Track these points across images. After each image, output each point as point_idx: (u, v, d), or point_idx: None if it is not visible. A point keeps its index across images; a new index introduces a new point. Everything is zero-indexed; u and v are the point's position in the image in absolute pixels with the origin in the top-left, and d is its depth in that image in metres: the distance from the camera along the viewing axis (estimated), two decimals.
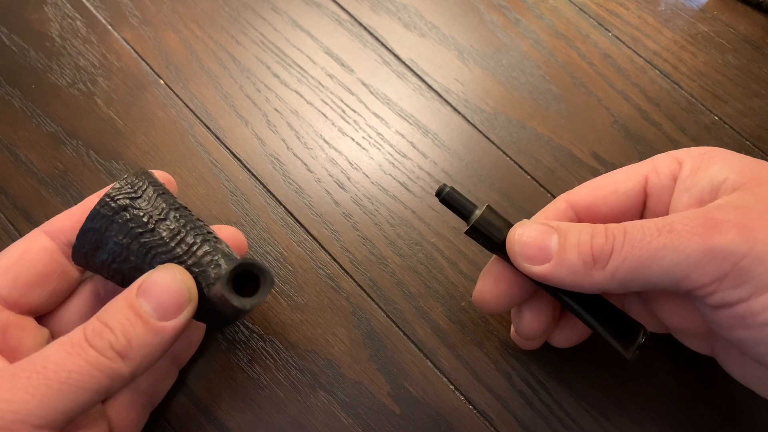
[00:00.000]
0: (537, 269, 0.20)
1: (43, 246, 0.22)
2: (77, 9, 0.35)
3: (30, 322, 0.22)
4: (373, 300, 0.28)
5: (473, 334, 0.27)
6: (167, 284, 0.20)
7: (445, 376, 0.26)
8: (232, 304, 0.20)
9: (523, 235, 0.21)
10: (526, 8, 0.36)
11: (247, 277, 0.21)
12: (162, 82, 0.33)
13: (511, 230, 0.22)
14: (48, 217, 0.23)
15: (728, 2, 0.37)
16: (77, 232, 0.23)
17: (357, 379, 0.26)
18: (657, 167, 0.23)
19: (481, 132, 0.32)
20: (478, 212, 0.22)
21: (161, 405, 0.25)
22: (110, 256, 0.21)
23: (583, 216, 0.23)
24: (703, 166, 0.21)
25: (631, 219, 0.23)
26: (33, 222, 0.29)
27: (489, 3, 0.36)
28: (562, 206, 0.23)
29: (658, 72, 0.34)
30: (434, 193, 0.22)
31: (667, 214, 0.22)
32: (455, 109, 0.33)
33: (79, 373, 0.18)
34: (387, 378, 0.26)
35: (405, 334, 0.27)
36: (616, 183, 0.23)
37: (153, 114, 0.32)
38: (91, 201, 0.23)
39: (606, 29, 0.36)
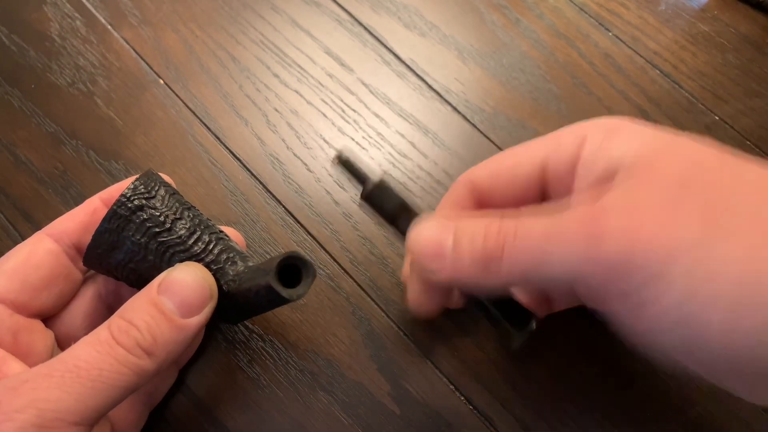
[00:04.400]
0: (437, 274, 0.20)
1: (48, 249, 0.22)
2: (77, 9, 0.35)
3: (38, 325, 0.22)
4: (373, 300, 0.28)
5: (473, 334, 0.27)
6: (189, 282, 0.20)
7: (445, 376, 0.26)
8: (282, 295, 0.20)
9: (420, 237, 0.20)
10: (526, 8, 0.36)
11: (286, 270, 0.21)
12: (162, 81, 0.33)
13: (411, 230, 0.21)
14: (48, 217, 0.23)
15: (728, 2, 0.37)
16: (80, 233, 0.23)
17: (357, 380, 0.26)
18: (560, 145, 0.21)
19: (481, 132, 0.32)
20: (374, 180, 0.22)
21: (161, 405, 0.25)
22: (127, 256, 0.21)
23: (484, 199, 0.23)
24: (606, 142, 0.20)
25: (534, 203, 0.23)
26: (32, 222, 0.29)
27: (489, 3, 0.36)
28: (463, 190, 0.23)
29: (658, 72, 0.34)
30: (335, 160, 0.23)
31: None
32: (455, 109, 0.33)
33: (110, 370, 0.18)
34: (387, 378, 0.26)
35: (405, 334, 0.27)
36: (515, 166, 0.22)
37: (152, 114, 0.32)
38: (91, 203, 0.23)
39: (606, 29, 0.36)
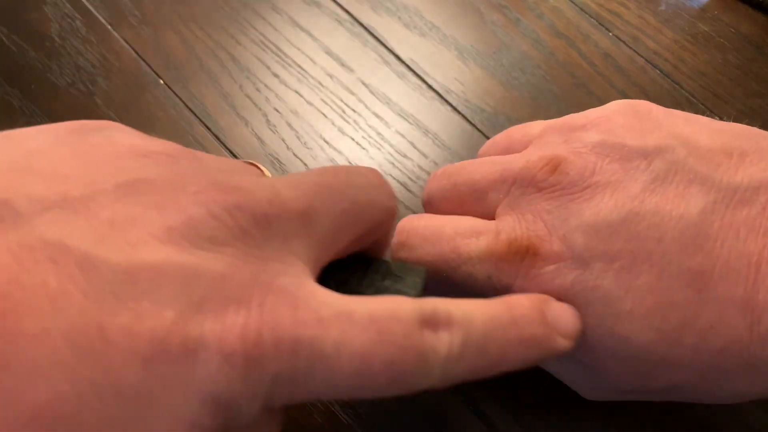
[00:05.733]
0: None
1: None
2: (77, 9, 0.35)
3: None
4: None
5: None
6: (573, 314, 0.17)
7: None
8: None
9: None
10: (526, 8, 0.36)
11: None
12: (162, 82, 0.33)
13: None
14: None
15: (729, 2, 0.37)
16: None
17: None
18: None
19: (481, 132, 0.32)
20: None
21: None
22: None
23: None
24: None
25: None
26: None
27: (489, 2, 0.36)
28: None
29: (658, 72, 0.34)
30: None
31: None
32: (455, 109, 0.33)
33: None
34: None
35: None
36: None
37: (152, 114, 0.32)
38: None
39: (606, 29, 0.36)
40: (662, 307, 0.16)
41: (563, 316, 0.17)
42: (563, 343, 0.16)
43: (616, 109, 0.20)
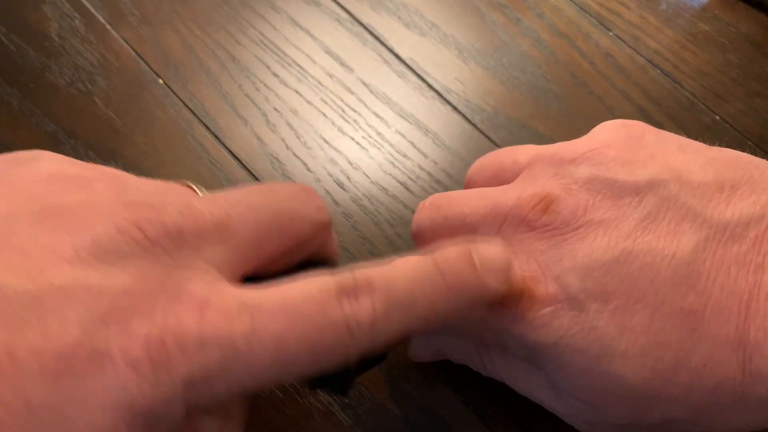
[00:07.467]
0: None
1: None
2: (76, 8, 0.35)
3: None
4: None
5: None
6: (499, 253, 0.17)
7: (445, 377, 0.26)
8: None
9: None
10: (526, 7, 0.36)
11: None
12: (161, 81, 0.33)
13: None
14: None
15: (729, 1, 0.37)
16: None
17: (357, 381, 0.26)
18: None
19: (481, 132, 0.32)
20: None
21: None
22: None
23: None
24: None
25: None
26: None
27: (489, 2, 0.36)
28: None
29: (659, 71, 0.34)
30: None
31: None
32: (456, 109, 0.33)
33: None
34: (387, 379, 0.26)
35: None
36: None
37: (152, 113, 0.32)
38: None
39: (607, 28, 0.36)
40: (656, 347, 0.16)
41: (492, 257, 0.16)
42: (496, 285, 0.16)
43: (608, 139, 0.20)
